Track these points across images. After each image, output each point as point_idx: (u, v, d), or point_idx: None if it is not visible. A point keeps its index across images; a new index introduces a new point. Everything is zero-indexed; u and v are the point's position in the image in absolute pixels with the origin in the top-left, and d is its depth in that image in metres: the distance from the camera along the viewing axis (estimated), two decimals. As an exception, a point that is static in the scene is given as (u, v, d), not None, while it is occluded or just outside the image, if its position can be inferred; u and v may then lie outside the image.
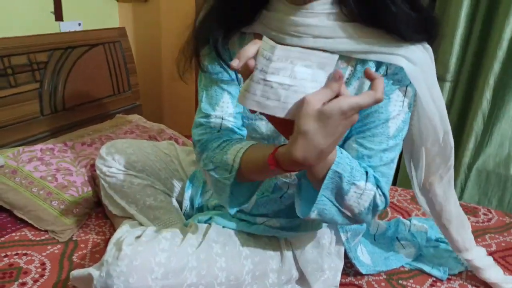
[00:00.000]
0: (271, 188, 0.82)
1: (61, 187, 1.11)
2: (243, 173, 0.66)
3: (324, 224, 0.85)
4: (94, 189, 1.16)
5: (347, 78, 0.71)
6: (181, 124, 1.80)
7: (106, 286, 0.67)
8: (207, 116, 0.77)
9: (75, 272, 0.79)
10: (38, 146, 1.24)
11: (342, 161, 0.62)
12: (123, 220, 1.03)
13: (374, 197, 0.67)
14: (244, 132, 0.78)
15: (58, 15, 1.66)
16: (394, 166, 0.74)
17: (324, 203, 0.64)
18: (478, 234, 1.18)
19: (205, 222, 0.85)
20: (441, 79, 0.72)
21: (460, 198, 1.54)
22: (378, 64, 0.68)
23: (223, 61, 0.74)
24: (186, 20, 1.86)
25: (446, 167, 0.85)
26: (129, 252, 0.68)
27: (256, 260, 0.80)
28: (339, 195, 0.64)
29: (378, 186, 0.68)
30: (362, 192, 0.65)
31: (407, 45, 0.66)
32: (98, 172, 1.05)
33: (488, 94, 1.39)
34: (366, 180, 0.66)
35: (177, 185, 1.06)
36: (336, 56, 0.51)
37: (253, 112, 0.53)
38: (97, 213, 1.15)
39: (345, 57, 0.69)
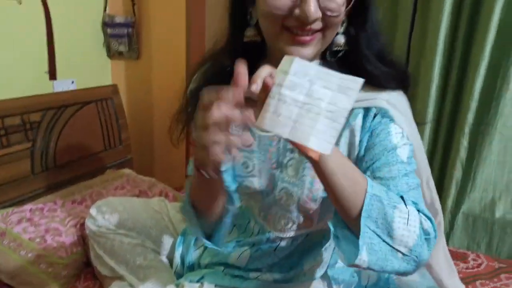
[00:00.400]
0: (264, 241, 0.83)
1: (50, 248, 1.10)
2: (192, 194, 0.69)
3: (317, 276, 0.85)
4: (83, 248, 1.15)
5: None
6: (172, 177, 1.82)
7: None
8: None
9: None
10: (28, 206, 1.25)
11: (374, 184, 0.59)
12: (112, 281, 1.02)
13: (421, 222, 0.60)
14: (233, 186, 0.79)
15: (52, 74, 1.71)
16: (421, 194, 0.70)
17: (370, 236, 0.56)
18: (469, 280, 1.18)
19: (197, 281, 0.85)
20: (419, 123, 0.77)
21: (447, 243, 1.55)
22: (366, 110, 0.72)
23: None
24: (177, 76, 1.93)
25: (434, 209, 0.87)
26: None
27: (248, 319, 0.79)
28: (385, 224, 0.57)
29: (418, 210, 0.62)
30: (408, 216, 0.58)
31: (387, 91, 0.71)
32: (87, 232, 1.05)
33: (464, 142, 1.44)
34: (405, 203, 0.60)
35: (168, 243, 1.06)
36: (361, 80, 0.48)
37: (264, 131, 0.50)
38: (86, 274, 1.14)
39: None
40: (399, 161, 0.68)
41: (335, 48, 0.71)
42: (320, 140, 0.48)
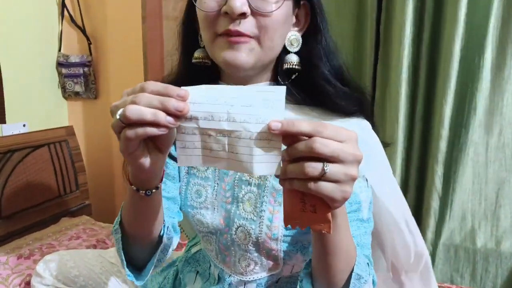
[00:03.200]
0: (226, 285, 0.73)
1: (-12, 313, 0.95)
2: (123, 217, 0.61)
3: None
4: (29, 311, 1.00)
5: None
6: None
7: None
8: None
9: None
10: (-34, 265, 1.09)
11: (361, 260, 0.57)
12: None
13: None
14: (179, 216, 0.73)
15: (1, 118, 1.59)
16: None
17: None
18: (458, 318, 1.11)
19: None
20: (388, 143, 0.74)
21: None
22: None
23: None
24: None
25: (419, 253, 0.80)
26: None
27: None
28: None
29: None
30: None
31: (346, 119, 0.66)
32: (32, 292, 0.91)
33: (439, 171, 1.41)
34: (369, 273, 0.60)
35: (125, 300, 0.94)
36: (283, 88, 0.44)
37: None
38: None
39: None
40: (359, 219, 0.65)
41: (287, 66, 0.66)
42: (264, 164, 0.43)
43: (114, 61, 1.80)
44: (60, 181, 1.58)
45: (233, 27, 0.59)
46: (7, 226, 1.37)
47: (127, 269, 0.64)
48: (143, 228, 0.62)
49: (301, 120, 0.42)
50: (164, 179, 0.64)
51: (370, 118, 0.70)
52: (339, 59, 0.68)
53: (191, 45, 0.69)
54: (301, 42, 0.66)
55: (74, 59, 1.79)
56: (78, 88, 1.81)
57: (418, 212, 1.50)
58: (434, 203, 1.43)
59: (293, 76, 0.67)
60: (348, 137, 0.43)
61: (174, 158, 0.71)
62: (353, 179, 0.43)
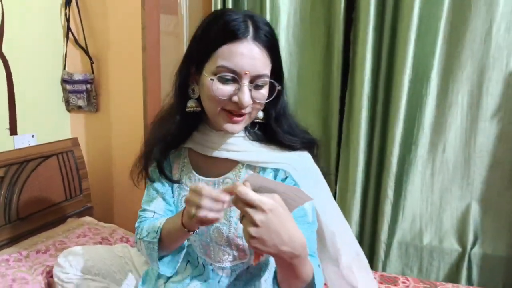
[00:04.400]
0: (210, 273, 0.98)
1: (18, 297, 1.18)
2: (165, 233, 0.89)
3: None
4: (50, 296, 1.23)
5: None
6: (131, 222, 1.90)
7: None
8: (144, 210, 1.00)
9: None
10: (-6, 258, 1.31)
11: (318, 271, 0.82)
12: (79, 324, 1.11)
13: None
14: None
15: (13, 130, 1.79)
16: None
17: None
18: (398, 301, 1.36)
19: (157, 316, 0.97)
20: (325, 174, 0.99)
21: (384, 270, 1.75)
22: (276, 170, 0.92)
23: (163, 174, 0.98)
24: (134, 127, 2.08)
25: (354, 249, 1.06)
26: None
27: None
28: None
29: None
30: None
31: (292, 155, 0.92)
32: (56, 279, 1.14)
33: (391, 183, 1.66)
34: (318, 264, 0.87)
35: (132, 285, 1.17)
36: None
37: None
38: (53, 319, 1.21)
39: (251, 165, 0.93)
40: (307, 221, 0.89)
41: (255, 120, 0.92)
42: None
43: (114, 79, 2.02)
44: (66, 186, 1.80)
45: (238, 111, 0.84)
46: (24, 226, 1.59)
47: (160, 267, 0.93)
48: (178, 245, 0.92)
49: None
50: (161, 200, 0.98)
51: (312, 151, 0.96)
52: (291, 116, 0.95)
53: (183, 95, 0.92)
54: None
55: (77, 76, 2.01)
56: (80, 103, 2.03)
57: (375, 216, 1.76)
58: (387, 208, 1.68)
59: (257, 126, 0.94)
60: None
61: (169, 179, 0.98)
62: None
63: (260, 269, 1.01)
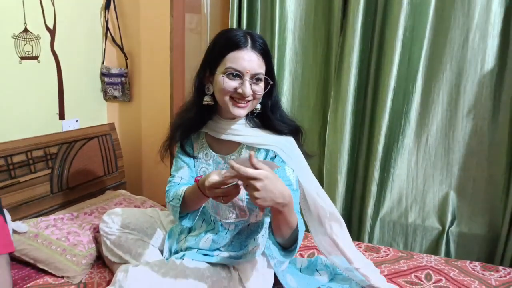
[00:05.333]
0: (219, 227, 1.29)
1: (72, 245, 1.51)
2: (186, 198, 1.18)
3: (258, 254, 1.30)
4: (96, 246, 1.56)
5: None
6: (158, 195, 2.24)
7: (119, 295, 1.09)
8: (173, 176, 1.31)
9: (94, 295, 1.19)
10: (51, 217, 1.66)
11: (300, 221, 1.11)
12: (119, 265, 1.43)
13: None
14: None
15: (61, 115, 2.14)
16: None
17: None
18: (377, 264, 1.64)
19: (180, 258, 1.29)
20: (308, 156, 1.27)
21: (369, 242, 2.02)
22: (267, 151, 1.22)
23: (184, 152, 1.29)
24: (161, 115, 2.42)
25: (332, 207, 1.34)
26: (133, 273, 1.11)
27: (214, 279, 1.23)
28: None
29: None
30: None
31: (280, 139, 1.21)
32: (101, 232, 1.47)
33: (377, 165, 1.93)
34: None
35: (159, 238, 1.49)
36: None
37: None
38: (98, 263, 1.55)
39: (250, 146, 1.23)
40: (291, 187, 1.18)
41: (254, 111, 1.22)
42: None
43: (145, 73, 2.33)
44: (105, 164, 2.14)
45: (242, 99, 1.14)
46: (72, 194, 1.94)
47: (182, 222, 1.24)
48: (197, 207, 1.22)
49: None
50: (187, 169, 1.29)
51: (298, 137, 1.25)
52: (282, 107, 1.25)
53: (201, 91, 1.23)
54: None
55: (114, 70, 2.33)
56: (116, 93, 2.35)
57: (363, 196, 2.04)
58: (373, 189, 1.95)
59: (255, 113, 1.24)
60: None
61: (189, 155, 1.29)
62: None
63: (258, 227, 1.31)
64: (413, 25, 1.81)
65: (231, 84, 1.13)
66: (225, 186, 1.02)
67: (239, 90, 1.12)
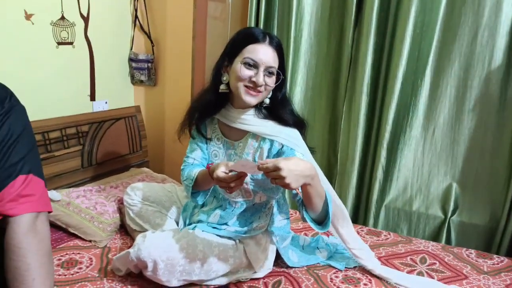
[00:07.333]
0: (227, 205, 1.43)
1: (99, 213, 1.69)
2: (198, 180, 1.33)
3: (261, 231, 1.45)
4: (120, 216, 1.74)
5: (256, 147, 1.37)
6: (178, 175, 2.40)
7: (138, 255, 1.25)
8: (187, 157, 1.47)
9: (116, 256, 1.37)
10: (81, 188, 1.85)
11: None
12: (139, 233, 1.61)
13: None
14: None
15: (92, 97, 2.32)
16: None
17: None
18: (376, 246, 1.76)
19: (192, 229, 1.45)
20: (311, 149, 1.39)
21: (375, 226, 2.13)
22: (272, 141, 1.34)
23: (200, 133, 1.43)
24: (183, 100, 2.58)
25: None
26: (151, 237, 1.28)
27: (221, 249, 1.38)
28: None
29: None
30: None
31: (285, 130, 1.34)
32: (125, 203, 1.65)
33: (384, 154, 2.03)
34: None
35: (176, 211, 1.66)
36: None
37: None
38: (121, 231, 1.73)
39: (255, 135, 1.36)
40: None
41: (263, 105, 1.35)
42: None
43: (169, 60, 2.48)
44: (130, 143, 2.32)
45: (254, 88, 1.27)
46: (100, 169, 2.13)
47: (194, 199, 1.39)
48: (208, 187, 1.37)
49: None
50: (200, 151, 1.42)
51: (301, 131, 1.38)
52: (290, 102, 1.38)
53: (217, 80, 1.36)
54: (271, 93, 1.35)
55: (141, 56, 2.49)
56: (142, 78, 2.51)
57: (370, 182, 2.14)
58: (379, 176, 2.06)
59: (264, 105, 1.36)
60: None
61: (204, 136, 1.43)
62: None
63: (262, 206, 1.46)
64: (424, 21, 1.88)
65: (247, 72, 1.26)
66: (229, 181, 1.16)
67: (253, 79, 1.26)
